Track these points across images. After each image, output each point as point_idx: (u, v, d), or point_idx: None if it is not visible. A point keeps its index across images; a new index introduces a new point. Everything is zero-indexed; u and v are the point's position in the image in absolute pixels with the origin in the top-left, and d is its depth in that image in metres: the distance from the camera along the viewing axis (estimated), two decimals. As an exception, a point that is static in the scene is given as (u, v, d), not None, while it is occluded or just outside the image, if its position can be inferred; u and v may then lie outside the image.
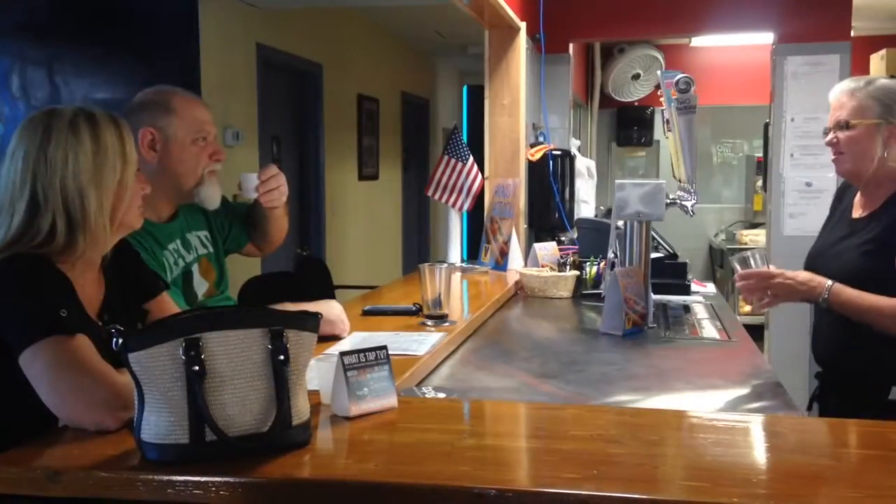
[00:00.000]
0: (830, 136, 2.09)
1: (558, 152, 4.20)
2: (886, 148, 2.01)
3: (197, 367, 1.16)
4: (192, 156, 2.00)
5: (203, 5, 4.10)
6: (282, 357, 1.22)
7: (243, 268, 4.18)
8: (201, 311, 1.26)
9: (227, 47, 4.38)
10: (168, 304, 1.66)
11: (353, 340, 2.09)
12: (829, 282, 1.99)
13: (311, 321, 1.28)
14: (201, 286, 2.09)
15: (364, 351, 1.44)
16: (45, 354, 1.32)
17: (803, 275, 2.03)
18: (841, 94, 2.07)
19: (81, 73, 4.18)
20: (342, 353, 1.42)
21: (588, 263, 3.10)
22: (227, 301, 2.23)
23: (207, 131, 2.03)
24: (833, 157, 2.10)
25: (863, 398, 2.04)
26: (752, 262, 2.05)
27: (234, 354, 1.20)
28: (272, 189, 2.17)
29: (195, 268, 2.09)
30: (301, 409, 1.27)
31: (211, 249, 2.17)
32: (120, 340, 1.16)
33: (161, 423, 1.17)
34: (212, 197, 2.07)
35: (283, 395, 1.22)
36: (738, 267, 2.05)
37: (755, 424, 1.45)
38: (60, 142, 1.44)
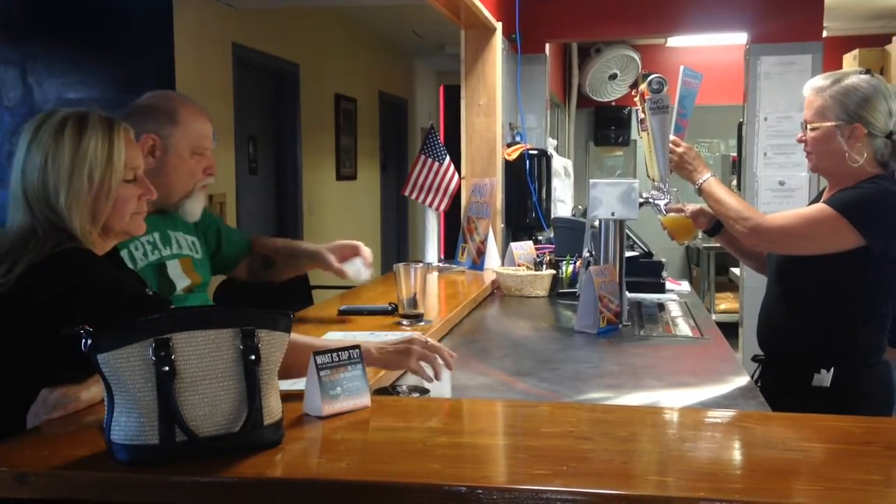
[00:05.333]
0: (800, 134, 2.14)
1: (535, 152, 4.22)
2: (849, 148, 2.04)
3: (167, 368, 1.16)
4: (187, 168, 2.03)
5: (178, 5, 4.08)
6: (253, 357, 1.22)
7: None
8: (171, 311, 1.25)
9: (202, 47, 4.35)
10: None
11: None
12: (709, 174, 2.25)
13: (282, 321, 1.28)
14: (182, 281, 2.09)
15: (337, 350, 1.44)
16: None
17: (693, 156, 2.32)
18: (810, 91, 2.11)
19: (55, 73, 4.14)
20: (315, 353, 1.42)
21: (564, 262, 3.12)
22: (203, 299, 2.22)
23: (206, 146, 2.06)
24: (805, 154, 2.15)
25: (791, 381, 2.13)
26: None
27: (205, 354, 1.20)
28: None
29: (173, 263, 2.08)
30: (273, 409, 1.27)
31: (197, 255, 2.17)
32: (89, 341, 1.15)
33: (131, 423, 1.17)
34: (195, 211, 2.10)
35: (255, 395, 1.22)
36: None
37: (724, 420, 1.47)
38: (42, 142, 1.48)
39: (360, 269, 2.40)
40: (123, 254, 1.94)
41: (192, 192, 2.06)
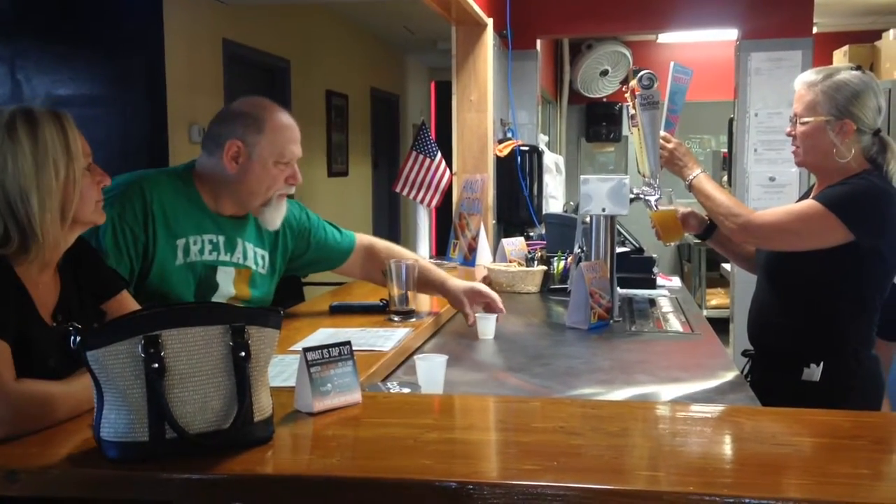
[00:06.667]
0: (789, 127, 2.14)
1: (526, 148, 4.22)
2: (837, 144, 2.04)
3: (156, 365, 1.16)
4: (269, 177, 2.01)
5: (168, 0, 4.07)
6: (243, 353, 1.22)
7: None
8: (161, 307, 1.24)
9: (192, 43, 4.34)
10: (127, 303, 1.63)
11: (320, 336, 2.09)
12: (699, 170, 2.26)
13: (272, 317, 1.28)
14: (228, 289, 2.06)
15: (327, 347, 1.44)
16: None
17: (684, 152, 2.33)
18: (801, 85, 2.11)
19: (44, 69, 4.12)
20: (305, 349, 1.42)
21: (555, 258, 3.12)
22: None
23: (291, 156, 2.05)
24: (792, 148, 2.16)
25: (780, 376, 2.14)
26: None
27: (195, 352, 1.19)
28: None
29: (228, 270, 2.05)
30: (263, 406, 1.26)
31: (261, 270, 2.14)
32: (78, 338, 1.15)
33: (120, 421, 1.17)
34: (274, 219, 2.09)
35: (245, 392, 1.22)
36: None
37: (714, 415, 1.47)
38: None
39: (489, 328, 2.31)
40: (179, 243, 1.95)
41: (270, 199, 2.04)
